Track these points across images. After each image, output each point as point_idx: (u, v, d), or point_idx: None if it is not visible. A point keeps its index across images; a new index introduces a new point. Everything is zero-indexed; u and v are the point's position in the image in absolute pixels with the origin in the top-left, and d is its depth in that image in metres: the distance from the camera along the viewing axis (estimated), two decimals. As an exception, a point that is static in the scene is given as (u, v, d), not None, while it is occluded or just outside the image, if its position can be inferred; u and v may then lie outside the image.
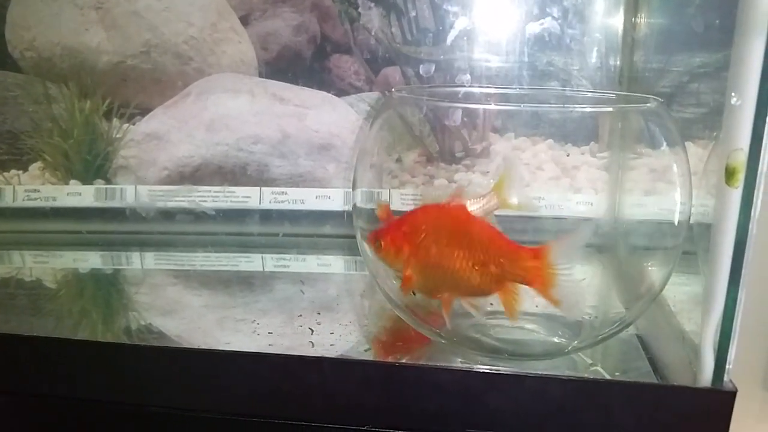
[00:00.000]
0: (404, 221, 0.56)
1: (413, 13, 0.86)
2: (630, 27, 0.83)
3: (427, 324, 0.60)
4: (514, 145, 0.82)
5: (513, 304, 0.53)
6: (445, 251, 0.54)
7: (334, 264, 0.89)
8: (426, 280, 0.56)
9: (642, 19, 0.83)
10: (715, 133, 0.66)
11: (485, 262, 0.53)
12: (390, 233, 0.56)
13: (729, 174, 0.46)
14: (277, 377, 0.55)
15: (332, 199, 0.93)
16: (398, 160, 0.79)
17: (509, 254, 0.52)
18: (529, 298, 0.69)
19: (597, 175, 0.85)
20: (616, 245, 0.77)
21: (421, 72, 0.87)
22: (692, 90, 0.76)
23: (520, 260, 0.52)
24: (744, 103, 0.45)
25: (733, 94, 0.45)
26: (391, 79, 0.89)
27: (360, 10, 0.88)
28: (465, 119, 0.80)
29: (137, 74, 0.91)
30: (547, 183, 0.85)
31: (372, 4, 0.87)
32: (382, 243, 0.56)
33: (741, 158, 0.46)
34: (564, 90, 0.84)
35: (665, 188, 0.58)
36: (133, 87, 0.92)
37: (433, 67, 0.86)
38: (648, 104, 0.56)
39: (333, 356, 0.57)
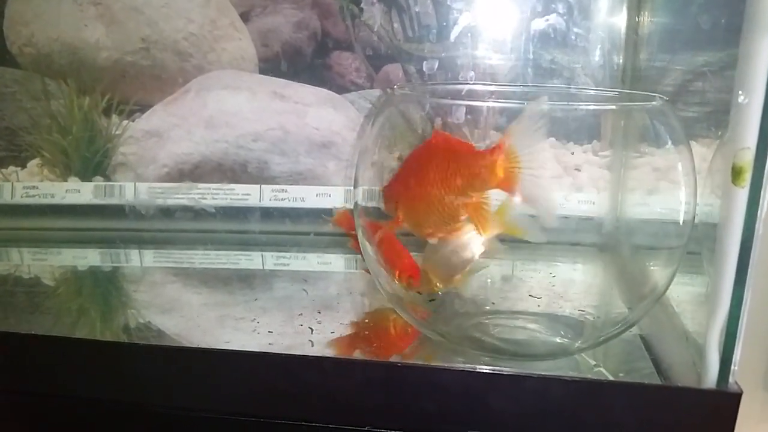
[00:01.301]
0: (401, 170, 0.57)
1: (414, 10, 0.86)
2: (633, 25, 0.83)
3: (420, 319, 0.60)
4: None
5: (481, 217, 0.50)
6: (421, 180, 0.53)
7: (334, 262, 0.89)
8: (412, 217, 0.55)
9: (645, 17, 0.82)
10: (720, 132, 0.65)
11: (451, 177, 0.50)
12: (388, 185, 0.57)
13: (735, 173, 0.46)
14: (278, 377, 0.54)
15: (332, 197, 0.92)
16: (399, 158, 0.78)
17: (468, 161, 0.49)
18: (532, 300, 0.69)
19: (599, 173, 0.84)
20: (619, 244, 0.77)
21: (424, 69, 0.86)
22: (695, 88, 0.75)
23: (478, 162, 0.49)
24: (751, 101, 0.44)
25: (740, 92, 0.45)
26: (392, 76, 0.88)
27: (361, 6, 0.87)
28: (466, 117, 0.80)
29: (136, 71, 0.91)
30: (549, 181, 0.84)
31: (373, 1, 0.87)
32: (384, 195, 0.57)
33: (748, 157, 0.45)
34: (566, 88, 0.84)
35: (670, 187, 0.57)
36: (132, 83, 0.91)
37: (437, 64, 0.86)
38: (653, 102, 0.55)
39: (334, 356, 0.57)
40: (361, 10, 0.87)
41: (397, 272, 0.60)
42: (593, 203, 0.85)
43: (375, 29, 0.87)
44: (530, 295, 0.68)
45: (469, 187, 0.51)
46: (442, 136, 0.53)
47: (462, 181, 0.51)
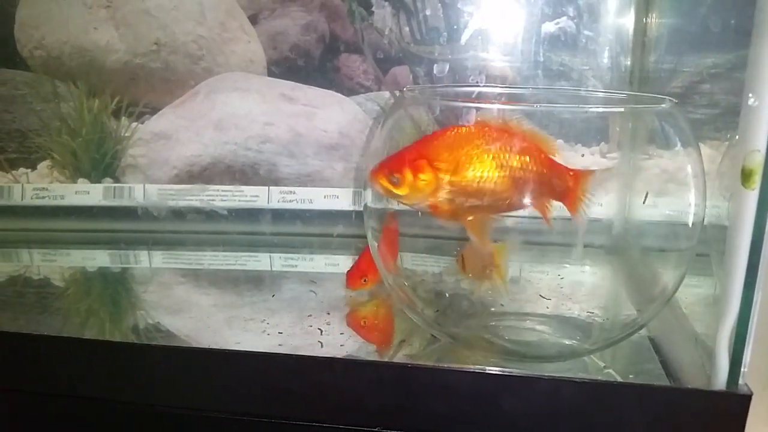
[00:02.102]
0: (417, 150, 0.54)
1: (422, 12, 0.86)
2: (641, 27, 0.83)
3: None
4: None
5: (548, 214, 0.54)
6: (479, 169, 0.52)
7: (342, 264, 0.89)
8: (455, 203, 0.53)
9: (653, 19, 0.82)
10: (728, 135, 0.65)
11: (526, 176, 0.52)
12: (406, 164, 0.53)
13: (745, 176, 0.46)
14: (289, 378, 0.55)
15: (340, 198, 0.92)
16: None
17: (546, 164, 0.53)
18: (541, 302, 0.69)
19: (607, 168, 0.84)
20: (627, 246, 0.77)
21: (434, 72, 0.87)
22: (703, 90, 0.75)
23: (561, 172, 0.53)
24: (761, 104, 0.45)
25: (750, 95, 0.45)
26: (400, 78, 0.89)
27: (370, 9, 0.87)
28: (470, 118, 0.80)
29: (146, 73, 0.91)
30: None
31: (382, 3, 0.87)
32: (399, 176, 0.53)
33: (758, 159, 0.45)
34: (574, 90, 0.84)
35: (679, 189, 0.57)
36: (141, 86, 0.92)
37: (447, 67, 0.86)
38: (663, 105, 0.55)
39: (344, 357, 0.57)
40: (370, 12, 0.87)
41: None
42: (600, 205, 0.85)
43: (383, 32, 0.88)
44: (540, 296, 0.68)
45: (543, 192, 0.53)
46: (503, 130, 0.53)
47: (538, 186, 0.53)
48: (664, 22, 0.81)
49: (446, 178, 0.53)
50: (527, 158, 0.52)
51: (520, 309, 0.68)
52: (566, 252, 0.74)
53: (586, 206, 0.54)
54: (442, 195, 0.53)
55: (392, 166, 0.54)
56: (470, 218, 0.55)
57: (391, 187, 0.53)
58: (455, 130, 0.54)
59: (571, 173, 0.54)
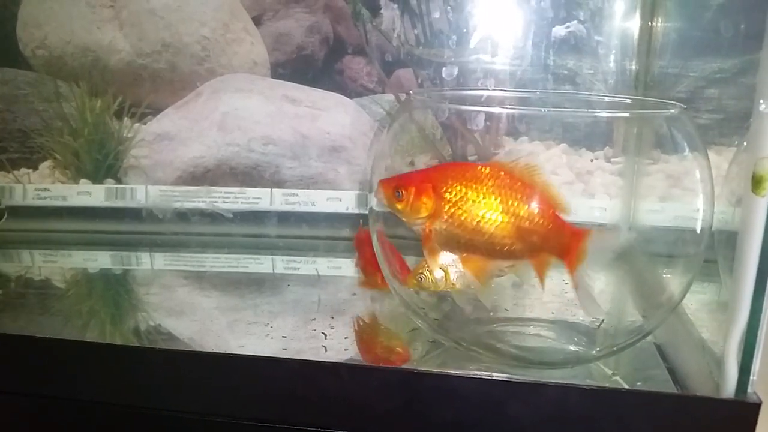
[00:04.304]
0: (428, 175, 0.55)
1: (427, 15, 0.86)
2: (647, 31, 0.82)
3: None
4: (528, 150, 0.81)
5: (544, 274, 0.53)
6: (483, 209, 0.53)
7: (344, 267, 0.89)
8: (451, 236, 0.54)
9: (659, 24, 0.82)
10: (735, 140, 0.65)
11: (528, 228, 0.52)
12: (413, 183, 0.54)
13: (756, 182, 0.45)
14: (293, 382, 0.54)
15: (343, 201, 0.92)
16: (411, 164, 0.78)
17: (555, 226, 0.52)
18: (545, 307, 0.68)
19: (611, 180, 0.84)
20: (632, 252, 0.77)
21: (443, 75, 0.86)
22: (708, 95, 0.75)
23: (563, 235, 0.52)
24: (773, 110, 0.44)
25: (761, 101, 0.44)
26: (403, 80, 0.88)
27: (375, 11, 0.87)
28: (479, 123, 0.80)
29: (149, 73, 0.91)
30: (561, 188, 0.84)
31: (386, 6, 0.86)
32: (403, 192, 0.54)
33: (769, 166, 0.45)
34: (579, 94, 0.84)
35: (686, 195, 0.57)
36: (144, 86, 0.91)
37: (456, 70, 0.86)
38: (671, 110, 0.55)
39: (350, 362, 0.56)
40: (374, 14, 0.87)
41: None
42: (605, 209, 0.85)
43: (387, 34, 0.87)
44: (547, 298, 0.68)
45: (541, 247, 0.53)
46: (511, 176, 0.53)
47: (537, 239, 0.52)
48: (669, 27, 0.81)
49: (446, 208, 0.53)
50: (534, 211, 0.52)
51: (525, 314, 0.67)
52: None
53: (584, 267, 0.52)
54: (439, 224, 0.54)
55: (401, 181, 0.55)
56: (465, 256, 0.55)
57: (392, 199, 0.55)
58: (470, 167, 0.55)
59: (573, 232, 0.53)
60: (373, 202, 0.61)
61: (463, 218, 0.53)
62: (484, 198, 0.53)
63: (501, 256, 0.54)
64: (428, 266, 0.58)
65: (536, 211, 0.52)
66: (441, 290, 0.59)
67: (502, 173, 0.53)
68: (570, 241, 0.52)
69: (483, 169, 0.54)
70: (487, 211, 0.53)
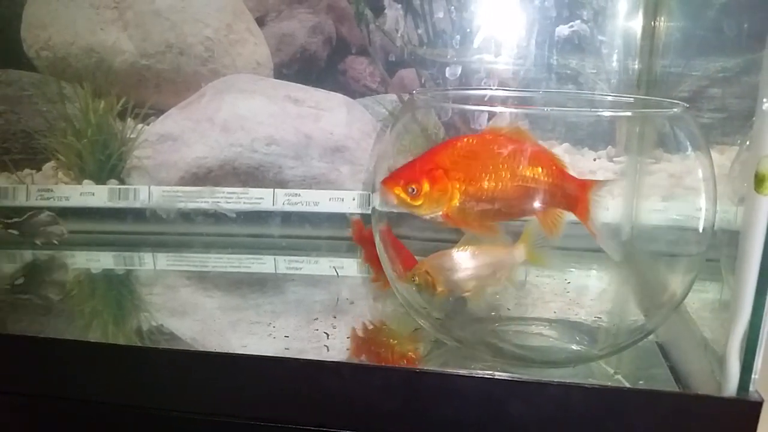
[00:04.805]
0: (430, 160, 0.54)
1: (430, 15, 0.86)
2: (649, 30, 0.82)
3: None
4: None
5: (554, 227, 0.53)
6: (491, 177, 0.53)
7: (347, 267, 0.89)
8: (466, 211, 0.53)
9: (661, 23, 0.82)
10: (738, 139, 0.65)
11: (536, 186, 0.53)
12: (423, 175, 0.53)
13: (758, 181, 0.45)
14: (296, 382, 0.54)
15: (345, 201, 0.92)
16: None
17: (560, 180, 0.53)
18: (548, 306, 0.69)
19: (613, 179, 0.84)
20: (634, 251, 0.77)
21: (447, 74, 0.86)
22: (711, 94, 0.75)
23: (568, 181, 0.53)
24: (775, 109, 0.44)
25: (765, 100, 0.44)
26: (406, 80, 0.88)
27: (378, 11, 0.87)
28: (481, 122, 0.80)
29: (152, 74, 0.91)
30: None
31: (389, 6, 0.87)
32: (416, 187, 0.53)
33: (771, 165, 0.45)
34: (582, 93, 0.84)
35: (689, 194, 0.57)
36: (148, 87, 0.92)
37: (460, 69, 0.86)
38: (674, 109, 0.55)
39: (352, 362, 0.57)
40: (377, 14, 0.87)
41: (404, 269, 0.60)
42: (607, 209, 0.85)
43: (389, 35, 0.87)
44: (550, 298, 0.68)
45: (544, 196, 0.53)
46: (512, 140, 0.53)
47: (542, 188, 0.53)
48: (672, 26, 0.81)
49: (461, 187, 0.53)
50: (539, 167, 0.53)
51: (527, 314, 0.68)
52: (572, 256, 0.74)
53: (595, 214, 0.53)
54: (455, 204, 0.53)
55: (408, 176, 0.53)
56: (479, 224, 0.55)
57: (407, 199, 0.53)
58: (468, 139, 0.54)
59: (579, 184, 0.53)
60: (376, 201, 0.61)
61: (477, 192, 0.53)
62: (490, 165, 0.53)
63: (516, 215, 0.54)
64: (426, 269, 0.58)
65: (540, 169, 0.52)
66: (432, 293, 0.59)
67: (500, 137, 0.53)
68: (578, 192, 0.53)
69: (482, 138, 0.54)
70: (496, 177, 0.53)
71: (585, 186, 0.53)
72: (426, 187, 0.53)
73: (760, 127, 0.45)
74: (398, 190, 0.53)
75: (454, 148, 0.54)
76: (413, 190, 0.53)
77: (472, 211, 0.53)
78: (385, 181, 0.55)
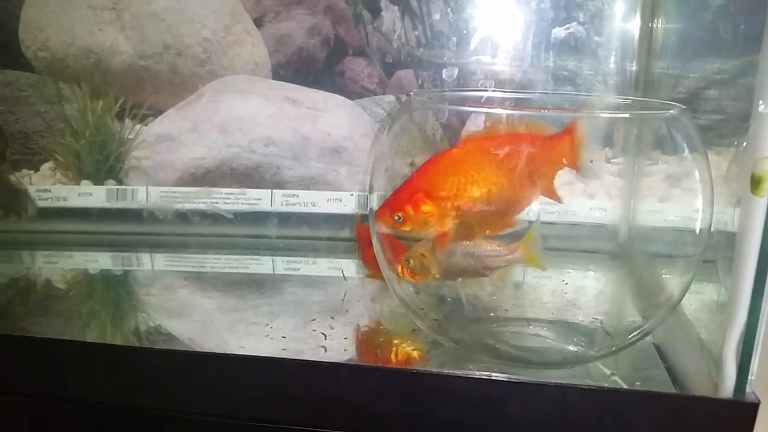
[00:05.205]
0: (412, 185, 0.54)
1: (427, 17, 0.86)
2: (647, 32, 0.83)
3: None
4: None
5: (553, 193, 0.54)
6: (478, 185, 0.53)
7: (345, 268, 0.89)
8: (463, 224, 0.54)
9: (659, 25, 0.82)
10: (734, 141, 0.65)
11: (516, 167, 0.53)
12: (405, 200, 0.54)
13: (755, 182, 0.45)
14: (293, 383, 0.54)
15: (344, 202, 0.92)
16: (411, 165, 0.78)
17: (536, 147, 0.53)
18: (545, 307, 0.69)
19: (611, 180, 0.84)
20: (632, 252, 0.77)
21: (444, 76, 0.86)
22: (708, 96, 0.75)
23: (549, 145, 0.53)
24: (771, 111, 0.44)
25: (761, 101, 0.44)
26: (404, 82, 0.88)
27: (374, 12, 0.87)
28: (478, 123, 0.80)
29: (150, 75, 0.91)
30: (561, 188, 0.84)
31: (387, 7, 0.87)
32: (401, 214, 0.54)
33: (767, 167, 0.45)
34: (579, 95, 0.84)
35: (686, 195, 0.57)
36: (145, 88, 0.92)
37: (456, 71, 0.86)
38: (672, 111, 0.55)
39: (349, 362, 0.57)
40: (374, 16, 0.87)
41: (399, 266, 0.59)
42: (605, 210, 0.85)
43: (387, 35, 0.88)
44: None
45: (538, 172, 0.53)
46: (488, 140, 0.53)
47: (531, 168, 0.52)
48: (669, 28, 0.81)
49: (448, 204, 0.53)
50: (518, 155, 0.52)
51: (525, 314, 0.68)
52: (569, 257, 0.74)
53: (586, 158, 0.53)
54: (450, 221, 0.54)
55: (393, 205, 0.54)
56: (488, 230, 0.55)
57: (395, 226, 0.54)
58: (445, 155, 0.55)
59: (557, 137, 0.53)
60: (374, 203, 0.61)
61: (466, 204, 0.53)
62: (473, 175, 0.53)
63: (520, 207, 0.54)
64: (422, 251, 0.58)
65: (522, 152, 0.52)
66: (427, 278, 0.58)
67: (476, 142, 0.53)
68: (562, 145, 0.53)
69: (459, 150, 0.54)
70: (482, 184, 0.53)
71: (565, 135, 0.53)
72: (410, 211, 0.53)
73: (756, 128, 0.46)
74: (386, 220, 0.55)
75: (435, 167, 0.55)
76: (399, 217, 0.54)
77: (469, 223, 0.54)
78: (376, 213, 0.56)
